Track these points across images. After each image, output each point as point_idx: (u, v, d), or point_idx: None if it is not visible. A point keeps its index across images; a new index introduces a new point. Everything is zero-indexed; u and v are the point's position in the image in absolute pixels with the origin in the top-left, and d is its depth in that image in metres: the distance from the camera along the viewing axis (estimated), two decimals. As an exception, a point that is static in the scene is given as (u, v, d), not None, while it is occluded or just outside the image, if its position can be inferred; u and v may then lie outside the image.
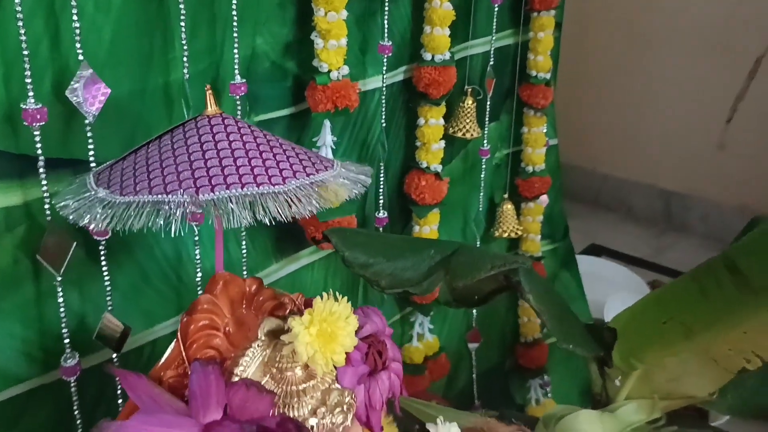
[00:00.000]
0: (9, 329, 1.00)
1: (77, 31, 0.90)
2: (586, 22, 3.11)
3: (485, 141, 1.71)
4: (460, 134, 1.62)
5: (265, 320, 0.84)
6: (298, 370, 0.82)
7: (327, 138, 1.28)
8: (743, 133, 2.94)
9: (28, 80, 0.87)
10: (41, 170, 0.91)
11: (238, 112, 1.14)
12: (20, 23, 0.85)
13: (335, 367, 0.84)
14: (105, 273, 1.02)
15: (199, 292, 1.13)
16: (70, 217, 0.75)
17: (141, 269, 1.11)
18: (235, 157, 0.77)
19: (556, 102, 1.91)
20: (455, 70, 1.49)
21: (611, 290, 2.32)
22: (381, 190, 1.48)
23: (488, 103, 1.67)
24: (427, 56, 1.46)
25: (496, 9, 1.61)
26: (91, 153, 0.95)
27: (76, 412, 1.04)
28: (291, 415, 0.80)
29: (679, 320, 1.09)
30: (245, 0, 1.13)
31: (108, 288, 1.03)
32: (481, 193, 1.76)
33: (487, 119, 1.69)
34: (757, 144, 2.90)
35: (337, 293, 0.83)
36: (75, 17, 0.89)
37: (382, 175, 1.47)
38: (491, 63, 1.66)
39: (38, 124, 0.88)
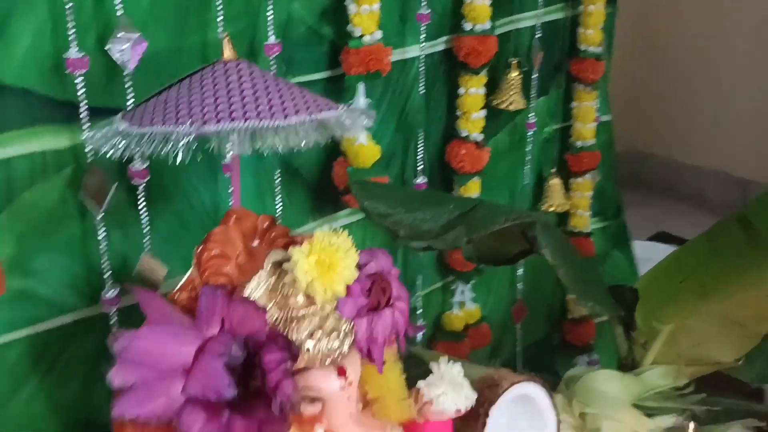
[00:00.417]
0: (58, 262, 1.10)
1: (118, -11, 0.99)
2: (662, 7, 3.04)
3: (532, 114, 1.72)
4: (503, 106, 1.65)
5: (272, 251, 0.90)
6: (300, 297, 0.87)
7: (361, 100, 1.34)
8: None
9: (72, 33, 0.97)
10: (83, 116, 1.00)
11: (273, 73, 1.21)
12: (66, -19, 0.95)
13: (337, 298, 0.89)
14: (144, 216, 1.11)
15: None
16: (94, 147, 0.83)
17: (180, 216, 1.20)
18: (243, 96, 0.83)
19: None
20: (496, 40, 1.51)
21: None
22: (419, 157, 1.52)
23: (535, 76, 1.69)
24: (468, 26, 1.49)
25: (545, -19, 1.62)
26: (130, 103, 1.04)
27: (116, 344, 1.14)
28: (289, 337, 0.86)
29: (695, 279, 1.09)
30: (282, -34, 1.20)
31: (146, 230, 1.12)
32: (527, 167, 1.78)
33: (533, 92, 1.70)
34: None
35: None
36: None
37: (420, 142, 1.51)
38: (538, 36, 1.67)
39: (80, 72, 0.98)
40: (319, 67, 1.33)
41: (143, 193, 1.10)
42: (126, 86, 1.03)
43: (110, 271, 1.11)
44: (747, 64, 2.95)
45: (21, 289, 1.09)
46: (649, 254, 2.36)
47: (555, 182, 1.83)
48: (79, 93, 1.00)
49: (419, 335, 1.68)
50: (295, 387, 0.78)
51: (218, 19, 1.12)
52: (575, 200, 1.87)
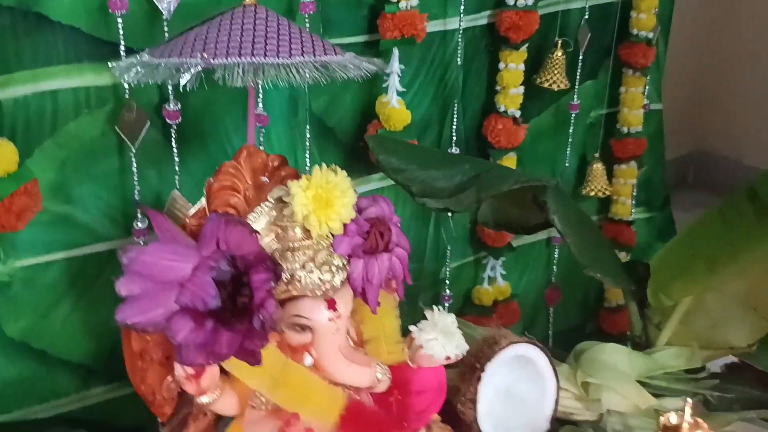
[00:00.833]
0: (96, 192, 1.20)
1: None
2: (736, 11, 2.95)
3: (575, 96, 1.73)
4: (546, 84, 1.66)
5: (277, 187, 0.96)
6: (298, 230, 0.93)
7: (395, 65, 1.38)
8: None
9: (115, -26, 1.05)
10: (122, 55, 1.09)
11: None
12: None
13: (333, 235, 0.94)
14: (176, 156, 1.19)
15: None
16: (118, 74, 0.91)
17: (212, 160, 1.27)
18: (255, 35, 0.89)
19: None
20: (537, 16, 1.53)
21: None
22: (454, 128, 1.55)
23: (581, 57, 1.69)
24: (510, 1, 1.51)
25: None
26: (168, 46, 1.12)
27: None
28: (284, 266, 0.91)
29: (705, 253, 1.08)
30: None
31: (178, 170, 1.20)
32: (569, 149, 1.78)
33: (578, 74, 1.70)
34: None
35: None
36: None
37: (455, 113, 1.54)
38: (586, 17, 1.67)
39: (120, 12, 1.06)
40: (357, 30, 1.38)
41: (176, 134, 1.18)
42: (164, 30, 1.11)
43: (141, 204, 1.19)
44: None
45: (61, 214, 1.19)
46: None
47: (597, 167, 1.83)
48: (120, 33, 1.08)
49: (446, 305, 1.71)
50: (276, 306, 0.84)
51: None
52: (618, 187, 1.86)
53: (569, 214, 1.15)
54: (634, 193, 1.90)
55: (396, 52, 1.37)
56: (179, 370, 0.91)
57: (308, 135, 1.34)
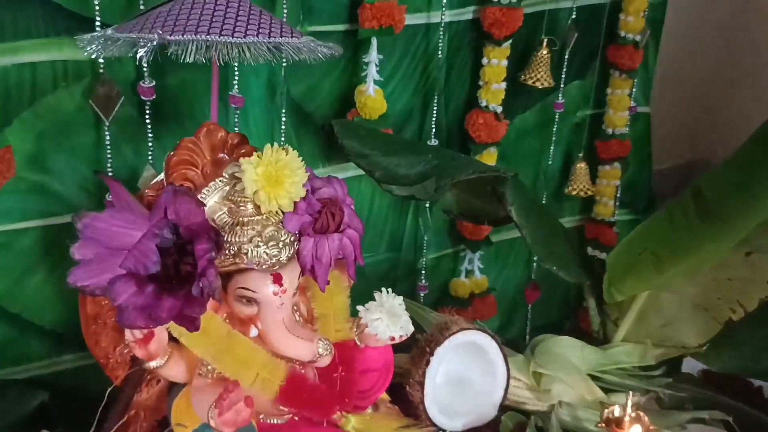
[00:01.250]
0: (72, 164, 1.24)
1: None
2: (740, 18, 2.93)
3: (560, 95, 1.74)
4: (530, 82, 1.67)
5: (232, 163, 0.99)
6: (249, 205, 0.96)
7: (373, 55, 1.41)
8: None
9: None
10: (97, 30, 1.13)
11: (284, 17, 1.29)
12: None
13: (283, 213, 0.97)
14: (149, 132, 1.23)
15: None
16: (82, 47, 0.95)
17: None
18: (214, 16, 0.93)
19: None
20: (521, 13, 1.55)
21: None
22: (434, 119, 1.57)
23: (566, 56, 1.70)
24: (495, -3, 1.53)
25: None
26: (144, 25, 1.15)
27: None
28: (232, 240, 0.95)
29: (651, 251, 1.10)
30: None
31: (151, 145, 1.24)
32: (552, 147, 1.79)
33: (563, 73, 1.72)
34: None
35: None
36: None
37: (435, 106, 1.56)
38: (573, 17, 1.69)
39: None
40: (338, 19, 1.41)
41: (151, 111, 1.22)
42: (140, 7, 1.15)
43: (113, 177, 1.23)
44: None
45: (37, 183, 1.23)
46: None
47: (581, 166, 1.84)
48: (96, 9, 1.12)
49: (421, 295, 1.74)
50: (216, 275, 0.87)
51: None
52: (601, 187, 1.88)
53: (527, 206, 1.17)
54: (618, 195, 1.91)
55: (374, 42, 1.40)
56: (128, 334, 0.96)
57: (284, 119, 1.38)
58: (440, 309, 1.80)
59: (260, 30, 0.93)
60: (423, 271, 1.72)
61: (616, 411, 1.10)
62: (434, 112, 1.57)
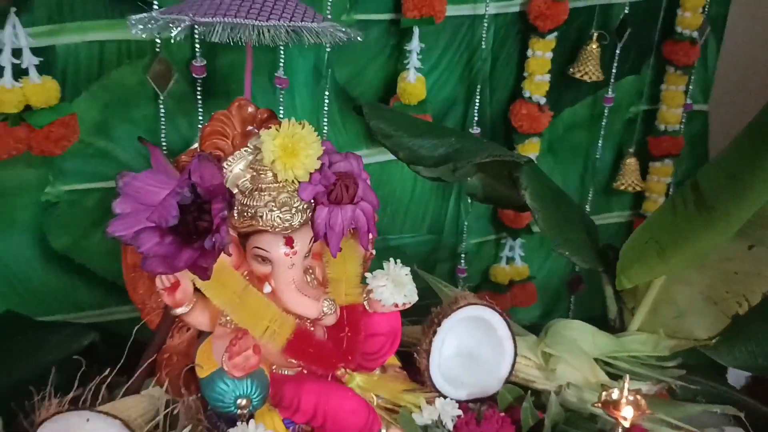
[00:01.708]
0: (133, 133, 1.37)
1: None
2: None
3: (611, 90, 1.76)
4: (578, 75, 1.70)
5: (255, 136, 1.10)
6: (269, 173, 1.06)
7: (414, 43, 1.48)
8: None
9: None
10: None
11: (329, 9, 1.39)
12: None
13: (300, 183, 1.06)
14: (200, 107, 1.36)
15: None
16: (131, 27, 1.07)
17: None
18: (242, 1, 1.03)
19: None
20: (566, 7, 1.58)
21: None
22: (477, 108, 1.63)
23: (617, 51, 1.72)
24: (541, -11, 1.57)
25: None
26: (198, 9, 1.28)
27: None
28: (251, 203, 1.05)
29: (655, 239, 1.12)
30: None
31: (201, 119, 1.37)
32: (600, 142, 1.81)
33: (614, 68, 1.73)
34: None
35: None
36: None
37: (478, 96, 1.62)
38: (626, 11, 1.70)
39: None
40: (384, 8, 1.49)
41: (201, 88, 1.34)
42: (195, -5, 1.27)
43: (166, 148, 1.37)
44: None
45: (103, 149, 1.38)
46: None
47: (630, 162, 1.85)
48: (155, -5, 1.26)
49: (461, 279, 1.80)
50: (227, 232, 0.97)
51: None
52: (651, 184, 1.87)
53: (542, 192, 1.21)
54: (671, 192, 1.90)
55: (416, 30, 1.47)
56: (159, 282, 1.08)
57: (326, 101, 1.47)
58: (479, 293, 1.86)
59: (283, 14, 1.02)
60: (463, 255, 1.78)
61: (615, 394, 1.14)
62: (477, 101, 1.63)
